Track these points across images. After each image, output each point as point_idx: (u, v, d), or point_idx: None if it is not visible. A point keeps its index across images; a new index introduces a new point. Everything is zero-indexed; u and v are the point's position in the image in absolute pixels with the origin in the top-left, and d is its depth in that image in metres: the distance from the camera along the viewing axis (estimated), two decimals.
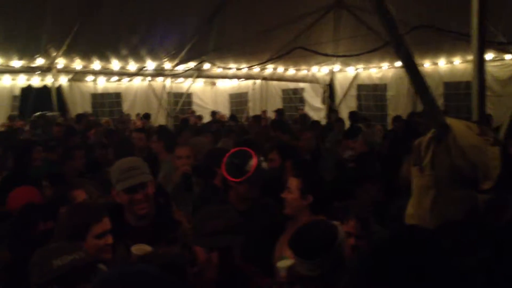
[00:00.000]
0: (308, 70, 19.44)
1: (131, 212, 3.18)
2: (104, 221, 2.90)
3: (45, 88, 16.96)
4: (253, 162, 3.77)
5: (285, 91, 21.58)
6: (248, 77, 19.91)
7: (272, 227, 3.65)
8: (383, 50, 12.75)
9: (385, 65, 17.82)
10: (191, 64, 16.80)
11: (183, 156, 5.28)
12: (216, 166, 4.44)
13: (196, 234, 2.81)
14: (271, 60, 16.20)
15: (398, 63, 16.85)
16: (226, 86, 23.06)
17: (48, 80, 16.02)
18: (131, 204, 3.14)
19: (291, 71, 19.52)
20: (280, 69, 19.22)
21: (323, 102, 19.99)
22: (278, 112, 17.63)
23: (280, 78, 20.10)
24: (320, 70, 19.49)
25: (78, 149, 6.39)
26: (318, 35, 14.65)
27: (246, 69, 18.29)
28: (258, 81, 20.52)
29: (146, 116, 16.90)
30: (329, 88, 19.93)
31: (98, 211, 2.95)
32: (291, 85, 21.00)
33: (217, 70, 18.00)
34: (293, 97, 21.40)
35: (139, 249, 2.82)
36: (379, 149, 7.13)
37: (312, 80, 19.81)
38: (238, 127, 11.40)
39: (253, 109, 20.88)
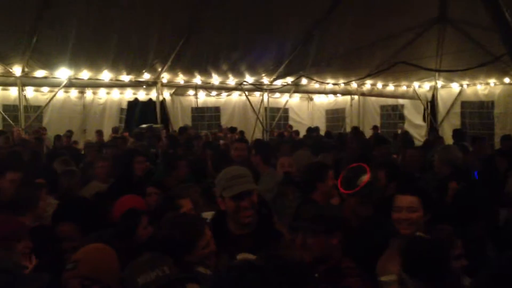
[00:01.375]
0: (409, 86, 18.83)
1: (235, 220, 3.18)
2: (206, 232, 2.93)
3: (149, 102, 17.85)
4: (366, 177, 3.91)
5: (383, 107, 21.05)
6: (345, 92, 19.66)
7: (381, 244, 3.52)
8: (490, 66, 12.09)
9: (492, 81, 16.85)
10: (289, 79, 16.92)
11: (286, 165, 5.26)
12: (317, 180, 4.37)
13: None
14: (370, 75, 15.89)
15: (507, 80, 15.88)
16: (323, 101, 22.94)
17: (153, 94, 16.85)
18: (236, 211, 3.13)
19: (390, 87, 19.01)
20: (379, 85, 18.81)
21: (424, 119, 19.23)
22: (375, 128, 17.27)
23: (379, 94, 19.66)
24: (422, 86, 18.82)
25: (182, 159, 6.59)
26: (420, 50, 14.16)
27: (343, 84, 18.10)
28: (356, 97, 20.20)
29: (232, 130, 17.12)
30: (431, 105, 19.15)
31: (200, 225, 2.98)
32: (390, 101, 20.44)
33: (315, 85, 17.97)
34: (392, 114, 20.81)
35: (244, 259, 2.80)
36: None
37: (413, 97, 19.14)
38: (339, 141, 11.21)
39: (350, 125, 20.56)
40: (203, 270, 2.76)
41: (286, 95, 19.55)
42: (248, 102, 18.41)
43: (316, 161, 6.38)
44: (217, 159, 6.57)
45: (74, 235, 3.40)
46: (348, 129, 19.04)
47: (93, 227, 3.54)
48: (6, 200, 4.48)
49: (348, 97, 20.89)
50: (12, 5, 10.32)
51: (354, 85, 18.43)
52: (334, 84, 17.94)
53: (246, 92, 17.69)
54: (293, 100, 21.52)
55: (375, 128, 17.32)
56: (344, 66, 15.45)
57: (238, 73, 15.70)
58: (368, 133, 16.42)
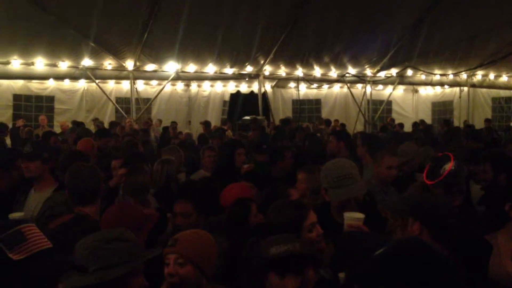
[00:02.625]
0: None
1: (338, 210, 3.26)
2: (310, 215, 2.96)
3: (251, 94, 18.12)
4: (448, 166, 3.70)
5: (495, 100, 19.69)
6: (454, 84, 18.64)
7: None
8: None
9: None
10: (393, 71, 16.38)
11: (393, 166, 5.08)
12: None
13: None
14: (482, 65, 14.95)
15: None
16: (429, 93, 21.94)
17: (255, 87, 17.08)
18: (340, 208, 3.24)
19: (504, 78, 17.76)
20: (492, 76, 17.65)
21: None
22: (487, 121, 16.27)
23: (491, 86, 18.44)
24: None
25: (287, 150, 6.61)
26: None
27: (452, 75, 17.20)
28: (465, 88, 19.07)
29: (328, 123, 16.87)
30: None
31: (304, 208, 3.02)
32: (503, 93, 19.08)
33: (421, 77, 17.26)
34: (505, 106, 19.41)
35: (351, 217, 2.91)
36: None
37: None
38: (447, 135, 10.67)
39: (458, 119, 19.48)
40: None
41: (390, 87, 18.94)
42: (350, 94, 18.08)
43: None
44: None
45: (189, 212, 3.60)
46: (457, 123, 18.05)
47: (207, 208, 3.75)
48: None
49: (456, 89, 19.80)
50: (127, 2, 10.92)
51: (464, 76, 17.43)
52: (442, 75, 17.09)
53: (348, 84, 17.39)
54: (397, 92, 20.78)
55: (487, 121, 16.27)
56: (453, 56, 14.65)
57: (340, 64, 15.47)
58: (478, 126, 15.51)
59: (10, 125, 13.78)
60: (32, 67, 12.77)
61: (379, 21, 12.48)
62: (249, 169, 6.02)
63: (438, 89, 20.96)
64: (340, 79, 16.63)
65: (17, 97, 15.37)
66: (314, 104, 20.13)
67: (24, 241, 1.83)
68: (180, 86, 18.16)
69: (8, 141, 11.19)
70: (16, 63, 12.50)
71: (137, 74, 14.15)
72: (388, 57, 14.80)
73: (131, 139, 8.62)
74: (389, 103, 20.35)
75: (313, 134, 12.52)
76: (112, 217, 3.12)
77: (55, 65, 12.97)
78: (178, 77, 14.83)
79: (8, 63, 12.42)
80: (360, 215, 2.92)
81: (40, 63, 12.71)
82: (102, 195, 3.64)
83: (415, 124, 16.19)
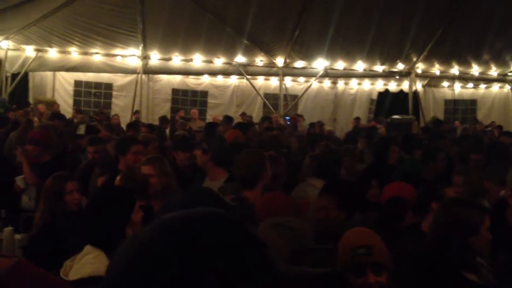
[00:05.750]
0: None
1: None
2: (485, 220, 2.73)
3: (401, 93, 17.49)
4: None
5: None
6: None
7: None
8: None
9: None
10: None
11: None
12: None
13: None
14: None
15: None
16: None
17: (404, 85, 16.45)
18: None
19: None
20: None
21: None
22: None
23: None
24: None
25: (441, 151, 6.30)
26: None
27: None
28: None
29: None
30: None
31: (481, 210, 2.80)
32: None
33: None
34: None
35: None
36: None
37: None
38: None
39: None
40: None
41: None
42: (511, 95, 16.63)
43: None
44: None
45: (331, 206, 3.50)
46: None
47: (350, 203, 3.62)
48: None
49: None
50: (279, 0, 11.20)
51: None
52: None
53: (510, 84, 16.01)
54: None
55: None
56: None
57: (502, 62, 14.28)
58: None
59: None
60: (190, 63, 13.67)
61: None
62: None
63: None
64: (501, 78, 15.36)
65: (175, 92, 16.56)
66: (469, 105, 18.80)
67: None
68: (327, 83, 18.15)
69: (168, 132, 12.08)
70: (176, 60, 13.47)
71: (286, 71, 14.42)
72: None
73: (279, 133, 8.83)
74: None
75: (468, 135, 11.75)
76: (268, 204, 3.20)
77: (211, 62, 13.74)
78: (326, 74, 14.83)
79: (170, 59, 13.43)
80: None
81: (197, 60, 13.54)
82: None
83: None
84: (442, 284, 2.39)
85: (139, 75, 13.30)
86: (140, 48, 12.60)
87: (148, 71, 13.87)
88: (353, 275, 2.21)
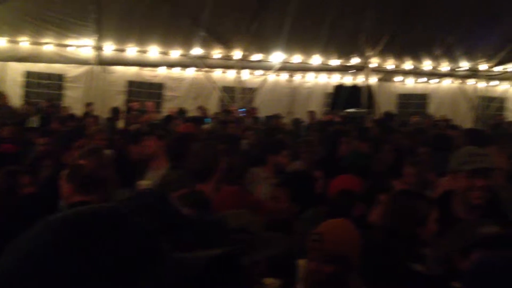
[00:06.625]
0: None
1: (463, 201, 3.09)
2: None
3: (355, 87, 17.76)
4: None
5: None
6: None
7: None
8: None
9: None
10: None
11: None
12: None
13: None
14: None
15: None
16: None
17: (359, 79, 16.73)
18: (468, 190, 3.03)
19: None
20: None
21: None
22: None
23: None
24: None
25: (387, 144, 6.54)
26: None
27: None
28: None
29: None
30: None
31: (429, 202, 2.91)
32: None
33: None
34: None
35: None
36: None
37: None
38: None
39: None
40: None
41: (506, 84, 17.69)
42: (460, 90, 17.14)
43: None
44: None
45: (284, 198, 3.66)
46: None
47: (301, 196, 3.76)
48: None
49: None
50: None
51: None
52: None
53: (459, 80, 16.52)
54: None
55: None
56: None
57: (452, 58, 14.73)
58: None
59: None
60: (146, 54, 13.47)
61: (501, 9, 11.67)
62: None
63: None
64: (450, 74, 15.83)
65: (131, 84, 16.25)
66: (420, 99, 19.24)
67: None
68: (284, 76, 18.22)
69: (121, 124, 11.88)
70: (132, 51, 13.25)
71: (244, 64, 14.42)
72: (507, 51, 13.82)
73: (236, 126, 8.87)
74: (502, 100, 18.96)
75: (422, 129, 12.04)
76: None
77: (167, 53, 13.58)
78: (282, 68, 14.91)
79: (124, 50, 13.19)
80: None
81: (153, 51, 13.36)
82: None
83: None
84: (389, 274, 2.45)
85: (93, 66, 13.02)
86: (94, 38, 12.33)
87: (102, 62, 13.55)
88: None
